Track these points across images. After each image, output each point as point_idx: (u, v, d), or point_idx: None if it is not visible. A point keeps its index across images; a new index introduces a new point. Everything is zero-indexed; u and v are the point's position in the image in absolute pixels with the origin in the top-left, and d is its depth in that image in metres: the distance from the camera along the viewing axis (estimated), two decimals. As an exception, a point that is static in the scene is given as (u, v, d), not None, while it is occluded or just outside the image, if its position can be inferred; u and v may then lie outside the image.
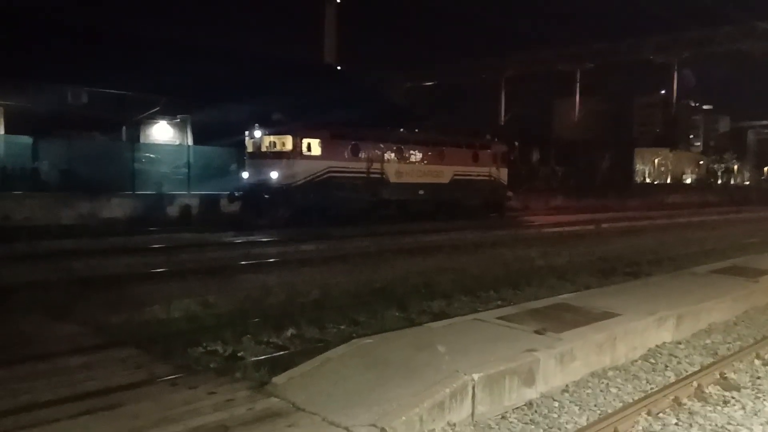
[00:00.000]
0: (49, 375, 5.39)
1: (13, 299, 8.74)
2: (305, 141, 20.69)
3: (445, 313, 9.02)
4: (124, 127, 26.77)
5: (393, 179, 23.28)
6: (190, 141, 26.99)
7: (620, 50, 69.18)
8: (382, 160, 22.99)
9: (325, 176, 21.07)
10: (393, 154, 23.50)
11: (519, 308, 7.65)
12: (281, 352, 7.23)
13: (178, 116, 27.05)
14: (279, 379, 5.11)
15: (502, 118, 67.71)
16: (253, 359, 6.79)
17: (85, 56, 25.36)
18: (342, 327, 8.46)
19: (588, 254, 15.54)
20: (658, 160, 68.44)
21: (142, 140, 26.90)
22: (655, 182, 64.67)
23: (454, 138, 26.64)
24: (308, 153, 20.75)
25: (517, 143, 40.95)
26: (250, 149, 21.77)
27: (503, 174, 27.83)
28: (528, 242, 18.12)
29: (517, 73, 72.08)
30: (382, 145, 23.13)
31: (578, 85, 73.59)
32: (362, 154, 22.39)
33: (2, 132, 23.31)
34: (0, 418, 4.45)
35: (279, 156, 20.68)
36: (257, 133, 21.47)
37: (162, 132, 27.83)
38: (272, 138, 21.09)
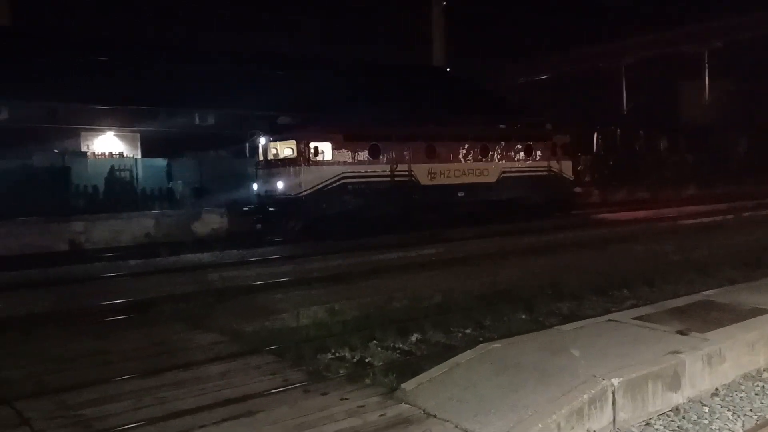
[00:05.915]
0: (192, 383, 5.71)
1: (158, 310, 9.39)
2: (312, 145, 18.74)
3: (575, 314, 8.67)
4: (247, 144, 28.16)
5: (424, 181, 20.74)
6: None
7: (749, 25, 63.86)
8: (409, 161, 20.52)
9: (338, 183, 19.08)
10: (423, 153, 20.87)
11: (657, 307, 7.20)
12: (408, 357, 7.24)
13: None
14: (408, 385, 5.09)
15: (625, 107, 64.49)
16: (380, 365, 6.83)
17: (208, 80, 26.95)
18: (467, 331, 8.36)
19: (729, 246, 14.41)
20: (804, 140, 62.43)
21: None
22: (801, 164, 59.11)
23: (501, 130, 23.78)
24: (317, 159, 18.79)
25: (642, 132, 38.93)
26: (260, 157, 20.19)
27: (566, 167, 24.51)
28: (661, 235, 17.08)
29: (637, 58, 68.44)
30: (408, 144, 20.59)
31: (707, 65, 68.71)
32: (384, 156, 20.06)
33: (140, 156, 25.21)
34: (151, 425, 4.76)
35: (285, 164, 19.01)
36: (262, 140, 19.85)
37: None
38: (277, 144, 19.37)
